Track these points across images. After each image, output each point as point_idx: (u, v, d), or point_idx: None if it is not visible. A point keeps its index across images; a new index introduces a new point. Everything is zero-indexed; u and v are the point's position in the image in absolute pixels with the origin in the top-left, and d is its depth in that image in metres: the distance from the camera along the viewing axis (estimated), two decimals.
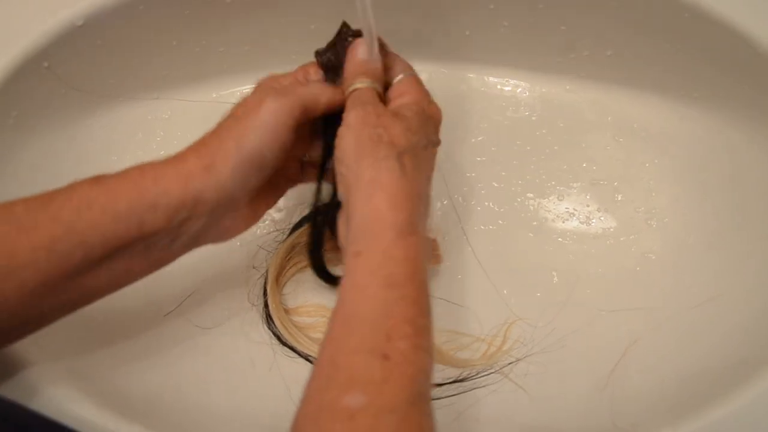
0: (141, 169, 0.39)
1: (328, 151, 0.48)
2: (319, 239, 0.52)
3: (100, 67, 0.55)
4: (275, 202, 0.48)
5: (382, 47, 0.46)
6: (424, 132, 0.42)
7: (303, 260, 0.56)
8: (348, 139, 0.41)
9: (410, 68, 0.46)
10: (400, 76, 0.45)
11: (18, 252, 0.35)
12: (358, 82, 0.44)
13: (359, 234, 0.38)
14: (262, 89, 0.43)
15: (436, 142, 0.44)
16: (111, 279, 0.40)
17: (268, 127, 0.41)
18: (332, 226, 0.49)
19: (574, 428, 0.50)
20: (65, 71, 0.53)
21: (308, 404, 0.34)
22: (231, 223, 0.44)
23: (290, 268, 0.57)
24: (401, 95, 0.44)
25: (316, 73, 0.47)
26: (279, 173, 0.46)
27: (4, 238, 0.35)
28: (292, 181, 0.50)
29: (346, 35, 0.46)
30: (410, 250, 0.37)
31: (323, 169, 0.49)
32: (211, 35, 0.57)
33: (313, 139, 0.49)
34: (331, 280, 0.55)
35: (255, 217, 0.46)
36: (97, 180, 0.38)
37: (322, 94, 0.44)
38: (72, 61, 0.53)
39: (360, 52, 0.45)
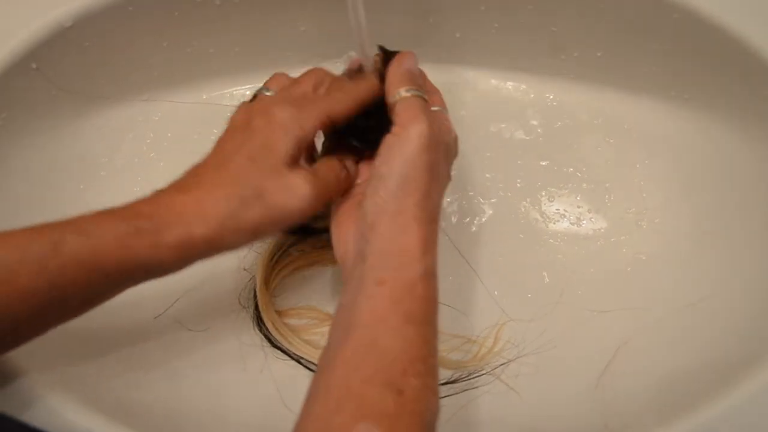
0: (139, 234, 0.36)
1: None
2: None
3: (89, 68, 0.55)
4: None
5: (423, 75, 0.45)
6: (448, 170, 0.44)
7: (290, 261, 0.56)
8: (402, 158, 0.38)
9: (443, 103, 0.46)
10: (435, 108, 0.44)
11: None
12: (406, 90, 0.41)
13: (384, 261, 0.38)
14: (291, 160, 0.39)
15: (456, 152, 0.46)
16: (90, 308, 0.39)
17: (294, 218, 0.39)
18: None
19: (566, 429, 0.50)
20: (54, 72, 0.53)
21: (313, 423, 0.34)
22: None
23: (280, 270, 0.57)
24: (442, 130, 0.43)
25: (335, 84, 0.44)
26: None
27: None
28: None
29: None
30: (431, 292, 0.38)
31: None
32: (202, 37, 0.57)
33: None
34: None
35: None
36: (86, 230, 0.35)
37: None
38: (61, 62, 0.52)
39: (407, 62, 0.43)
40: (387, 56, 0.45)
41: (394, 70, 0.43)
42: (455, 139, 0.45)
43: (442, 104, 0.46)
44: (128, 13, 0.52)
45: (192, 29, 0.56)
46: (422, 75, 0.45)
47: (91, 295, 0.37)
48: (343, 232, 0.41)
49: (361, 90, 0.43)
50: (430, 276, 0.38)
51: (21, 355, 0.44)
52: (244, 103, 0.43)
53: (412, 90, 0.41)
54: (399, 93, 0.41)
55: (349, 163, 0.44)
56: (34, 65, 0.51)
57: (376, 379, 0.34)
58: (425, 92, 0.42)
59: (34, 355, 0.45)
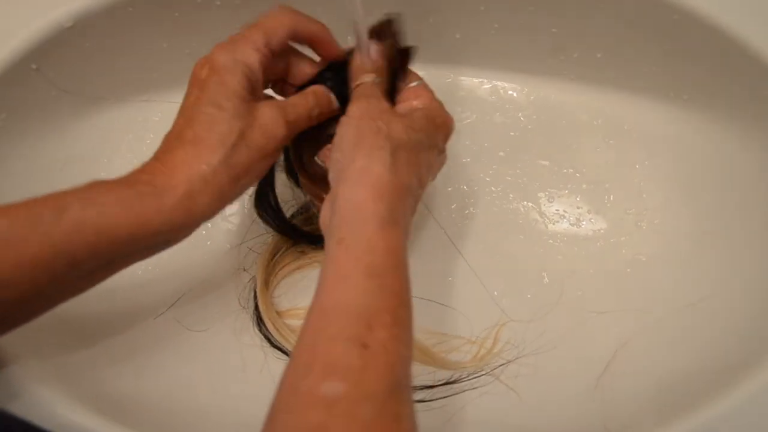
0: (141, 196, 0.38)
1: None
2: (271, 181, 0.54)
3: (89, 69, 0.55)
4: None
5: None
6: (427, 134, 0.43)
7: (289, 261, 0.57)
8: (348, 128, 0.41)
9: (421, 79, 0.47)
10: (413, 83, 0.46)
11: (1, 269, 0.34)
12: (363, 77, 0.45)
13: (343, 220, 0.38)
14: (242, 88, 0.41)
15: (441, 149, 0.45)
16: (106, 277, 0.40)
17: (276, 155, 0.43)
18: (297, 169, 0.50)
19: (566, 430, 0.50)
20: (54, 73, 0.53)
21: (284, 391, 0.33)
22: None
23: (280, 270, 0.57)
24: (410, 99, 0.45)
25: (278, 42, 0.44)
26: None
27: None
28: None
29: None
30: (392, 241, 0.37)
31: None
32: (202, 37, 0.57)
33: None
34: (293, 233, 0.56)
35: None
36: (91, 198, 0.37)
37: (312, 110, 0.45)
38: (61, 63, 0.53)
39: (363, 55, 0.46)
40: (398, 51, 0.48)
41: (352, 64, 0.46)
42: (428, 116, 0.44)
43: (418, 78, 0.47)
44: (128, 13, 0.52)
45: (192, 30, 0.56)
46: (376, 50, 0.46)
47: (100, 263, 0.38)
48: (325, 201, 0.42)
49: (288, 14, 0.44)
50: (389, 226, 0.37)
51: (14, 346, 0.44)
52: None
53: (367, 77, 0.45)
54: (355, 83, 0.45)
55: (322, 89, 0.46)
56: (34, 66, 0.51)
57: (341, 337, 0.33)
58: (381, 72, 0.45)
59: (29, 347, 0.46)
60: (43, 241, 0.35)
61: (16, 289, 0.35)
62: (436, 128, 0.44)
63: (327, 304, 0.36)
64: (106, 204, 0.37)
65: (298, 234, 0.57)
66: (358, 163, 0.39)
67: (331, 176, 0.42)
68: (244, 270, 0.57)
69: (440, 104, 0.46)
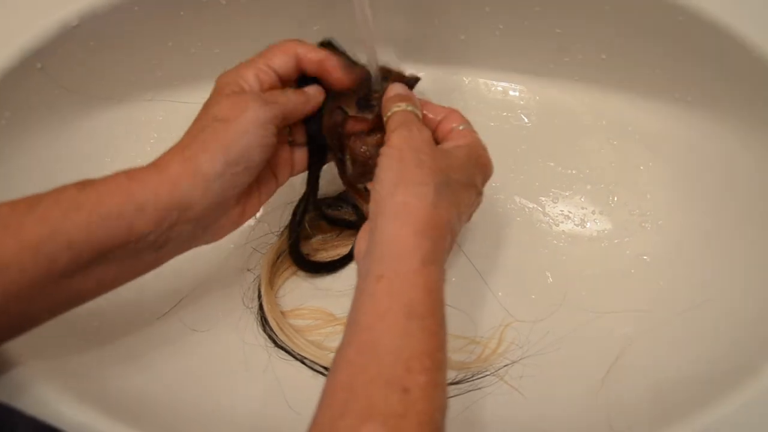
0: (127, 174, 0.39)
1: (314, 147, 0.49)
2: (297, 230, 0.54)
3: (93, 68, 0.55)
4: (268, 197, 0.48)
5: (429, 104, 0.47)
6: (467, 173, 0.42)
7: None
8: (391, 160, 0.41)
9: (465, 119, 0.46)
10: (460, 126, 0.45)
11: (3, 251, 0.35)
12: (397, 106, 0.44)
13: (383, 256, 0.38)
14: (235, 88, 0.43)
15: (479, 191, 0.45)
16: (99, 283, 0.40)
17: (255, 133, 0.41)
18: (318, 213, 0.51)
19: (570, 430, 0.50)
20: (59, 72, 0.53)
21: (320, 428, 0.33)
22: (220, 225, 0.44)
23: (284, 270, 0.57)
24: (456, 139, 0.45)
25: (283, 66, 0.46)
26: (271, 164, 0.47)
27: None
28: (287, 168, 0.49)
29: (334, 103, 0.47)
30: (432, 281, 0.37)
31: (313, 165, 0.50)
32: (206, 37, 0.57)
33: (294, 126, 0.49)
34: (312, 268, 0.56)
35: (246, 216, 0.46)
36: (84, 184, 0.38)
37: (302, 105, 0.45)
38: (65, 62, 0.53)
39: (396, 88, 0.46)
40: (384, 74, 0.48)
41: (385, 98, 0.46)
42: (479, 145, 0.45)
43: (464, 121, 0.46)
44: (133, 13, 0.52)
45: (197, 29, 0.56)
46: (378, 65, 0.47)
47: (94, 249, 0.37)
48: (361, 231, 0.43)
49: (291, 42, 0.45)
50: (429, 264, 0.37)
51: (18, 346, 0.44)
52: None
53: (401, 106, 0.44)
54: (391, 109, 0.44)
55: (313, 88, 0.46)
56: (39, 65, 0.51)
57: (380, 379, 0.33)
58: (416, 103, 0.46)
59: (33, 346, 0.46)
60: (41, 224, 0.35)
61: (20, 273, 0.35)
62: (478, 168, 0.44)
63: (365, 343, 0.35)
64: (98, 183, 0.38)
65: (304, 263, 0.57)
66: (399, 198, 0.39)
67: (370, 207, 0.41)
68: (248, 270, 0.57)
69: (484, 146, 0.45)
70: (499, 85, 0.62)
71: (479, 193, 0.45)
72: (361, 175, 0.48)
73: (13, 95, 0.51)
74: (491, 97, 0.62)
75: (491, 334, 0.54)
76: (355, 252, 0.43)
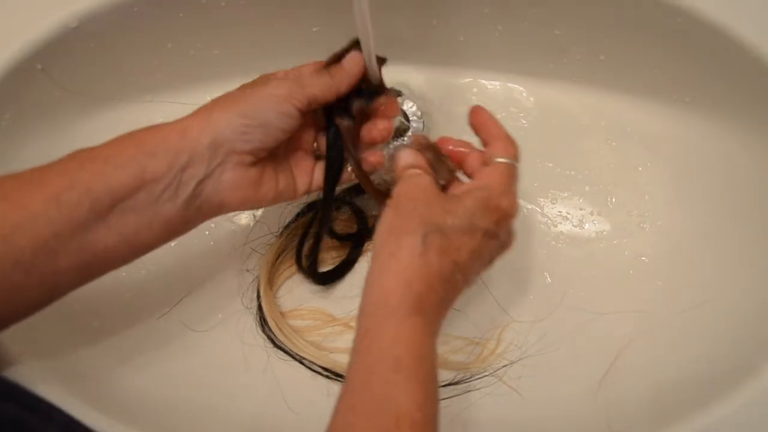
0: (140, 129, 0.41)
1: (333, 150, 0.48)
2: (316, 251, 0.54)
3: (93, 69, 0.55)
4: (284, 192, 0.47)
5: (484, 119, 0.46)
6: (469, 217, 0.40)
7: (294, 263, 0.57)
8: (388, 209, 0.41)
9: (510, 151, 0.44)
10: (500, 159, 0.43)
11: (28, 204, 0.36)
12: (408, 172, 0.44)
13: (368, 309, 0.38)
14: (266, 77, 0.44)
15: (494, 234, 0.42)
16: (122, 239, 0.40)
17: (275, 98, 0.42)
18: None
19: (569, 430, 0.50)
20: (59, 73, 0.53)
21: None
22: (235, 180, 0.42)
23: (283, 271, 0.57)
24: (477, 179, 0.43)
25: (310, 72, 0.46)
26: (292, 163, 0.47)
27: (15, 192, 0.37)
28: (307, 178, 0.49)
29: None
30: (418, 332, 0.36)
31: (330, 172, 0.49)
32: (206, 38, 0.57)
33: (318, 131, 0.49)
34: (324, 280, 0.56)
35: (262, 189, 0.45)
36: (97, 145, 0.40)
37: (329, 88, 0.44)
38: (66, 63, 0.53)
39: (405, 156, 0.45)
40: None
41: (398, 164, 0.45)
42: (499, 186, 0.42)
43: (506, 151, 0.44)
44: (133, 14, 0.52)
45: (197, 30, 0.56)
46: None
47: (95, 205, 0.38)
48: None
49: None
50: (414, 315, 0.37)
51: (19, 345, 0.44)
52: None
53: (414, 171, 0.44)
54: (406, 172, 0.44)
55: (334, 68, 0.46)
56: (39, 66, 0.51)
57: None
58: (426, 167, 0.45)
59: (33, 346, 0.46)
60: (61, 175, 0.37)
61: (46, 224, 0.36)
62: (487, 212, 0.41)
63: (354, 401, 0.35)
64: (113, 139, 0.40)
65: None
66: (387, 249, 0.39)
67: (372, 255, 0.41)
68: (248, 271, 0.57)
69: (504, 187, 0.42)
70: (498, 86, 0.62)
71: (493, 237, 0.42)
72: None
73: (14, 96, 0.51)
74: (490, 97, 0.62)
75: (490, 335, 0.55)
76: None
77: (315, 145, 0.49)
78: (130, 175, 0.38)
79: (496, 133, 0.45)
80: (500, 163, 0.43)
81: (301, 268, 0.56)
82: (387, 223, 0.40)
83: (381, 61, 0.46)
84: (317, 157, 0.49)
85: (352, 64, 0.45)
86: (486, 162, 0.44)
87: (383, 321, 0.37)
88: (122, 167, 0.38)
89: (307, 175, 0.49)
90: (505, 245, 0.44)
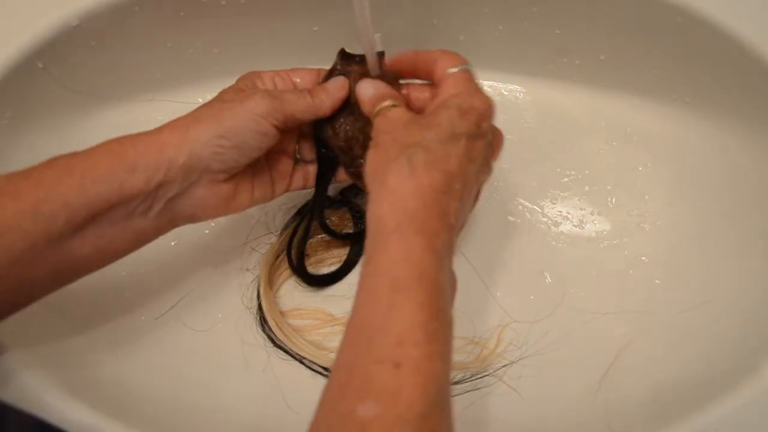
0: (119, 139, 0.41)
1: (321, 158, 0.50)
2: (302, 249, 0.55)
3: (94, 68, 0.55)
4: (262, 197, 0.48)
5: (413, 55, 0.46)
6: (450, 126, 0.40)
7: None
8: (371, 150, 0.41)
9: (457, 59, 0.44)
10: (450, 69, 0.43)
11: (3, 215, 0.36)
12: (379, 105, 0.44)
13: (369, 239, 0.38)
14: (250, 85, 0.45)
15: (476, 134, 0.41)
16: (96, 249, 0.40)
17: (253, 117, 0.42)
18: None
19: (569, 430, 0.50)
20: (59, 72, 0.53)
21: (322, 413, 0.34)
22: (207, 196, 0.43)
23: (284, 270, 0.57)
24: (441, 93, 0.42)
25: (302, 79, 0.47)
26: (271, 168, 0.48)
27: None
28: (285, 182, 0.50)
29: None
30: (414, 252, 0.36)
31: (321, 176, 0.50)
32: (206, 37, 0.57)
33: (301, 136, 0.50)
34: (313, 281, 0.56)
35: (236, 201, 0.46)
36: (74, 153, 0.39)
37: (309, 110, 0.45)
38: (66, 61, 0.53)
39: (365, 89, 0.45)
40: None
41: (361, 104, 0.45)
42: (466, 89, 0.42)
43: (453, 61, 0.43)
44: (133, 13, 0.52)
45: (196, 29, 0.56)
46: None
47: (87, 207, 0.38)
48: None
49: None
50: (408, 235, 0.36)
51: (19, 352, 0.44)
52: None
53: (380, 106, 0.44)
54: (373, 114, 0.44)
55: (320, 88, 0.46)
56: (40, 65, 0.51)
57: (373, 357, 0.33)
58: (390, 95, 0.44)
59: (34, 352, 0.46)
60: (37, 187, 0.37)
61: (21, 236, 0.36)
62: (463, 116, 0.40)
63: (358, 323, 0.36)
64: (91, 149, 0.40)
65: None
66: (377, 183, 0.39)
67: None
68: (247, 270, 0.57)
69: (470, 89, 0.42)
70: (498, 86, 0.62)
71: (477, 137, 0.41)
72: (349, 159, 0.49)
73: (15, 95, 0.51)
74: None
75: (490, 335, 0.54)
76: None
77: (297, 149, 0.50)
78: (108, 191, 0.39)
79: (432, 56, 0.45)
80: (455, 72, 0.43)
81: (293, 268, 0.56)
82: (371, 162, 0.40)
83: (379, 54, 0.46)
84: (296, 161, 0.50)
85: (336, 88, 0.46)
86: (441, 78, 0.43)
87: (380, 245, 0.36)
88: (100, 182, 0.38)
89: (286, 178, 0.50)
90: (495, 143, 0.44)
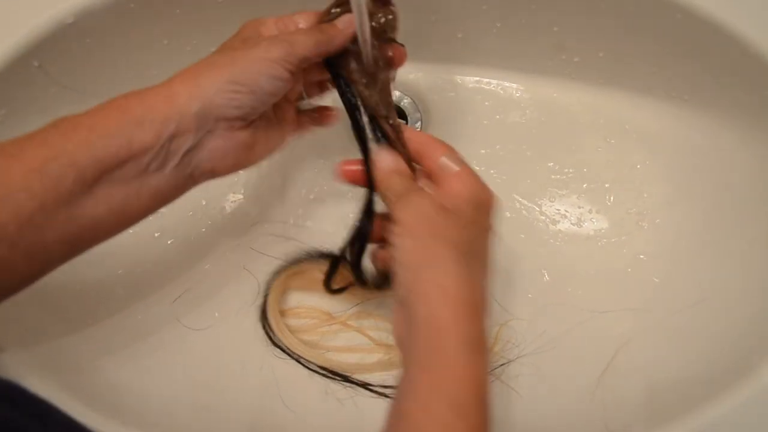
0: (125, 95, 0.39)
1: (350, 109, 0.46)
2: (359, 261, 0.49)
3: (90, 65, 0.54)
4: (275, 147, 0.46)
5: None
6: (478, 223, 0.40)
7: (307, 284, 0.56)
8: (404, 239, 0.38)
9: (454, 152, 0.43)
10: (455, 168, 0.41)
11: (9, 176, 0.35)
12: (395, 184, 0.42)
13: (423, 344, 0.36)
14: (255, 33, 0.43)
15: (488, 227, 0.42)
16: (109, 211, 0.38)
17: (266, 62, 0.40)
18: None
19: (566, 429, 0.50)
20: (55, 69, 0.53)
21: None
22: (225, 146, 0.41)
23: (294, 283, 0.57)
24: (457, 190, 0.41)
25: (305, 21, 0.45)
26: (276, 114, 0.46)
27: None
28: (291, 128, 0.48)
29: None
30: (479, 370, 0.35)
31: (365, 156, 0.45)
32: (202, 34, 0.57)
33: (307, 76, 0.48)
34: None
35: (254, 151, 0.44)
36: (80, 113, 0.38)
37: (323, 45, 0.43)
38: (62, 59, 0.52)
39: (384, 161, 0.43)
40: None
41: (377, 177, 0.43)
42: (479, 186, 0.41)
43: (451, 153, 0.42)
44: (129, 10, 0.52)
45: (193, 27, 0.56)
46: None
47: (88, 168, 0.37)
48: (395, 314, 0.40)
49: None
50: (473, 351, 0.35)
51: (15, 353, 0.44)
52: None
53: (400, 183, 0.42)
54: (386, 191, 0.42)
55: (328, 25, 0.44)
56: (35, 63, 0.51)
57: None
58: (408, 173, 0.43)
59: (33, 347, 0.46)
60: (43, 147, 0.36)
61: (29, 197, 0.35)
62: (485, 213, 0.41)
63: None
64: (96, 107, 0.39)
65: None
66: (428, 278, 0.36)
67: (399, 293, 0.38)
68: (244, 268, 0.57)
69: (481, 183, 0.41)
70: (496, 83, 0.62)
71: (489, 229, 0.42)
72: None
73: (10, 93, 0.51)
74: (488, 95, 0.62)
75: (488, 333, 0.54)
76: (395, 338, 0.40)
77: (303, 92, 0.49)
78: (117, 146, 0.37)
79: (422, 140, 0.43)
80: (460, 169, 0.42)
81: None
82: (410, 253, 0.38)
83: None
84: (299, 109, 0.49)
85: (346, 24, 0.43)
86: (443, 169, 0.42)
87: (441, 356, 0.35)
88: (108, 137, 0.37)
89: (292, 123, 0.48)
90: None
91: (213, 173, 0.42)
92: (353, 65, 0.45)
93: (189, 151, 0.40)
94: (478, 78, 0.62)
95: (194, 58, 0.57)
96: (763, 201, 0.53)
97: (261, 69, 0.40)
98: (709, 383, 0.47)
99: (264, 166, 0.60)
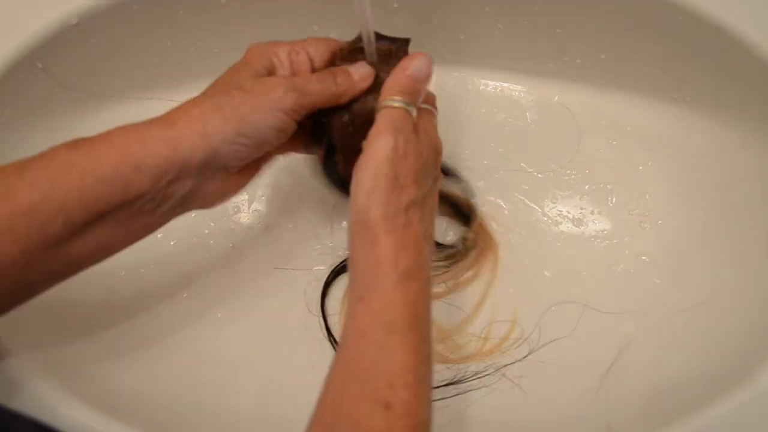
0: (125, 130, 0.37)
1: (327, 137, 0.46)
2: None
3: (93, 66, 0.55)
4: (261, 168, 0.45)
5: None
6: (432, 173, 0.41)
7: None
8: (366, 172, 0.38)
9: (433, 99, 0.44)
10: (424, 106, 0.43)
11: None
12: (392, 99, 0.41)
13: (361, 278, 0.37)
14: (268, 64, 0.42)
15: (438, 176, 0.43)
16: (96, 248, 0.38)
17: (276, 113, 0.39)
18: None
19: (569, 429, 0.50)
20: (59, 70, 0.53)
21: None
22: (219, 188, 0.41)
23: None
24: (423, 131, 0.42)
25: (317, 53, 0.44)
26: None
27: None
28: (271, 155, 0.47)
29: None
30: (411, 296, 0.36)
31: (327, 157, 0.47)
32: (206, 36, 0.57)
33: None
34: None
35: (243, 183, 0.43)
36: (77, 143, 0.36)
37: (331, 100, 0.42)
38: (65, 60, 0.53)
39: (413, 67, 0.41)
40: (398, 46, 0.45)
41: (392, 75, 0.42)
42: (433, 147, 0.42)
43: (431, 99, 0.44)
44: (133, 11, 0.52)
45: (196, 28, 0.56)
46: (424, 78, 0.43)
47: (89, 211, 0.36)
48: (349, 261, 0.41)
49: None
50: (407, 280, 0.36)
51: (22, 357, 0.44)
52: None
53: (397, 101, 0.41)
54: (386, 101, 0.41)
55: (341, 72, 0.43)
56: (39, 64, 0.51)
57: (364, 397, 0.33)
58: (416, 98, 0.42)
59: (33, 348, 0.46)
60: (32, 188, 0.34)
61: (13, 241, 0.34)
62: (437, 160, 0.42)
63: (349, 362, 0.36)
64: (92, 142, 0.36)
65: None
66: (372, 221, 0.37)
67: (348, 226, 0.39)
68: (249, 270, 0.57)
69: (434, 138, 0.43)
70: (498, 85, 0.62)
71: (438, 178, 0.43)
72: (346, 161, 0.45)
73: (13, 93, 0.51)
74: (490, 96, 0.62)
75: (489, 334, 0.54)
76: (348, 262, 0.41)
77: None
78: (111, 191, 0.36)
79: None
80: (431, 111, 0.43)
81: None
82: (366, 187, 0.38)
83: (404, 42, 0.45)
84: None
85: (363, 76, 0.43)
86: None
87: (375, 286, 0.36)
88: (102, 182, 0.35)
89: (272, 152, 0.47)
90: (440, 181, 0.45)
91: (201, 208, 0.42)
92: (346, 118, 0.44)
93: (184, 195, 0.39)
94: (480, 79, 0.62)
95: (197, 60, 0.58)
96: (765, 202, 0.54)
97: (271, 122, 0.39)
98: (710, 383, 0.47)
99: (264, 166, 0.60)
